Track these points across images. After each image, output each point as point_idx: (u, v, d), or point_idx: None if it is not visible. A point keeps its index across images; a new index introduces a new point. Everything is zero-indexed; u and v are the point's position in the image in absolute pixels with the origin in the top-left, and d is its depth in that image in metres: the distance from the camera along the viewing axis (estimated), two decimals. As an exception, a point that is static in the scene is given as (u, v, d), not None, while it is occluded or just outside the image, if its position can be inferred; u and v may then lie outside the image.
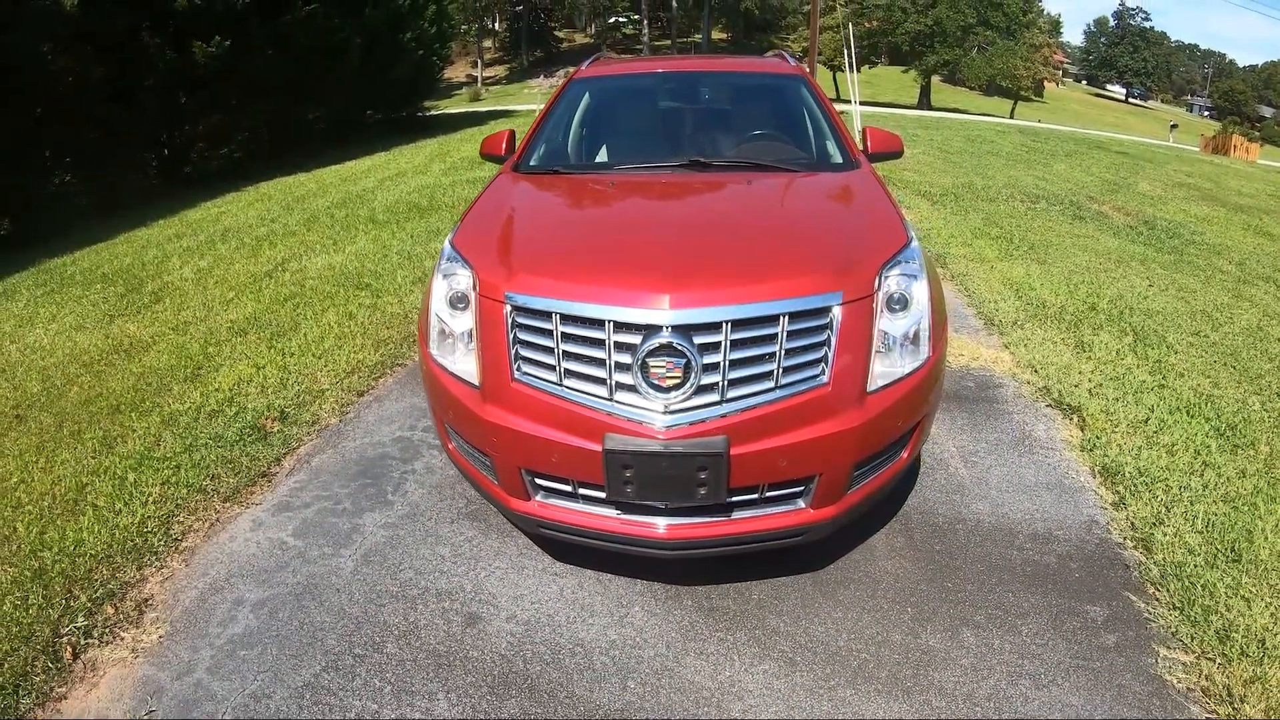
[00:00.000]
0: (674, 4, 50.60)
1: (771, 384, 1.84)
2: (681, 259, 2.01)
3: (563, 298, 1.90)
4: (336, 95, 12.07)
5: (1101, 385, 3.31)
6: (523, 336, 1.96)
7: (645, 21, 49.61)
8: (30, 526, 2.52)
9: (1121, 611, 2.04)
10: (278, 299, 4.82)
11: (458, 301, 2.17)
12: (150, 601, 2.23)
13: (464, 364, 2.11)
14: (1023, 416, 3.12)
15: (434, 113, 19.35)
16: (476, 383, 2.05)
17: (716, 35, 53.23)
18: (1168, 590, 2.06)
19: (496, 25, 50.97)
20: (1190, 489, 2.50)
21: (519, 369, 1.95)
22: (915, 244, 2.20)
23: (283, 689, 1.89)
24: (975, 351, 3.73)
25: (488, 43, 50.22)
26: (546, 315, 1.91)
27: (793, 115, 3.32)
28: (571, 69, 4.02)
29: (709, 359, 1.81)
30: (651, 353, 1.80)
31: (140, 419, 3.30)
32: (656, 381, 1.80)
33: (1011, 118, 29.57)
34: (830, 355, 1.89)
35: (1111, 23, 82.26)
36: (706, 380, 1.81)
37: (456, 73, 45.36)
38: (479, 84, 41.06)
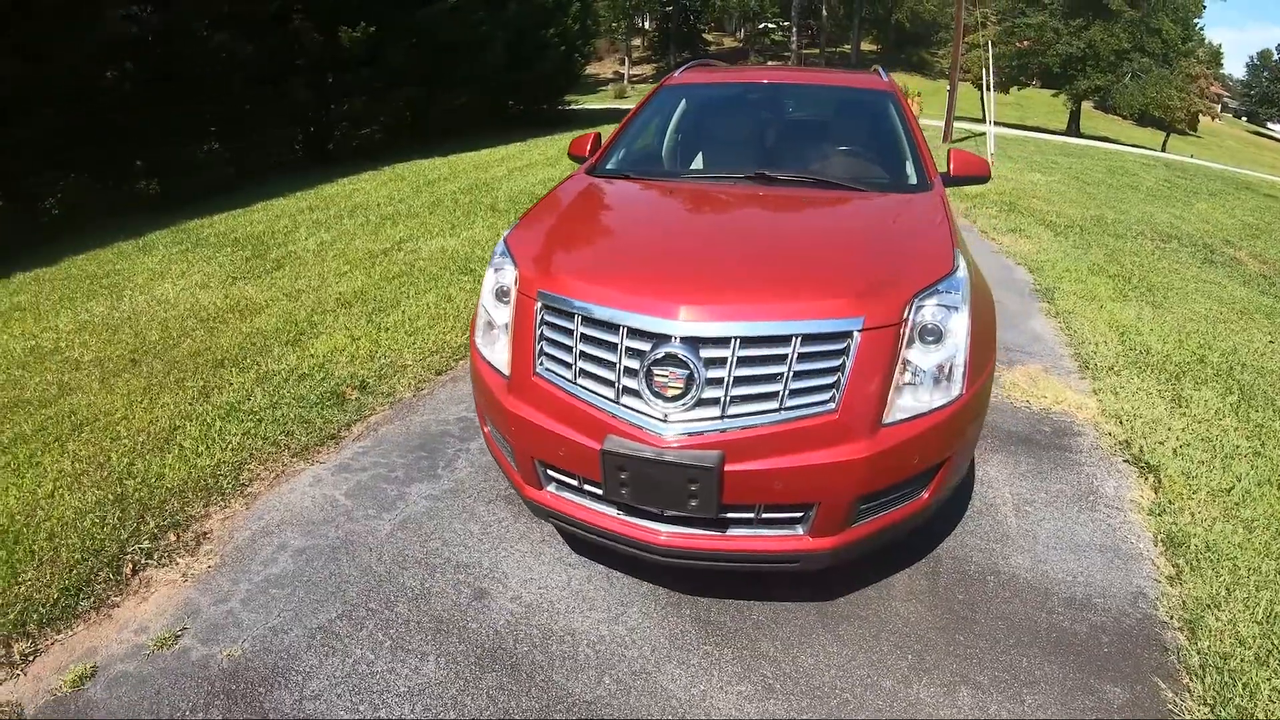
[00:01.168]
0: (824, 12, 49.85)
1: (775, 405, 1.81)
2: (705, 271, 2.02)
3: (585, 299, 1.96)
4: (479, 86, 12.59)
5: (1189, 445, 3.02)
6: (548, 334, 2.03)
7: (794, 29, 49.29)
8: (122, 457, 2.87)
9: (1144, 698, 1.86)
10: (386, 276, 5.17)
11: (502, 295, 2.27)
12: (208, 535, 2.48)
13: (500, 354, 2.21)
14: (1094, 470, 2.90)
15: (575, 107, 19.97)
16: (507, 373, 2.14)
17: (866, 47, 52.13)
18: (1203, 683, 1.87)
19: (646, 24, 51.89)
20: (1260, 573, 2.24)
21: (541, 364, 2.03)
22: (960, 274, 2.10)
23: (299, 628, 2.07)
24: (1060, 394, 3.50)
25: (636, 41, 51.16)
26: (570, 315, 1.98)
27: (872, 132, 3.24)
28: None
29: (714, 373, 1.81)
30: (658, 361, 1.82)
31: (239, 374, 3.65)
32: (659, 390, 1.82)
33: (1163, 150, 27.03)
34: (843, 382, 1.83)
35: (1276, 57, 73.35)
36: (709, 394, 1.81)
37: (604, 69, 46.61)
38: (625, 81, 42.00)
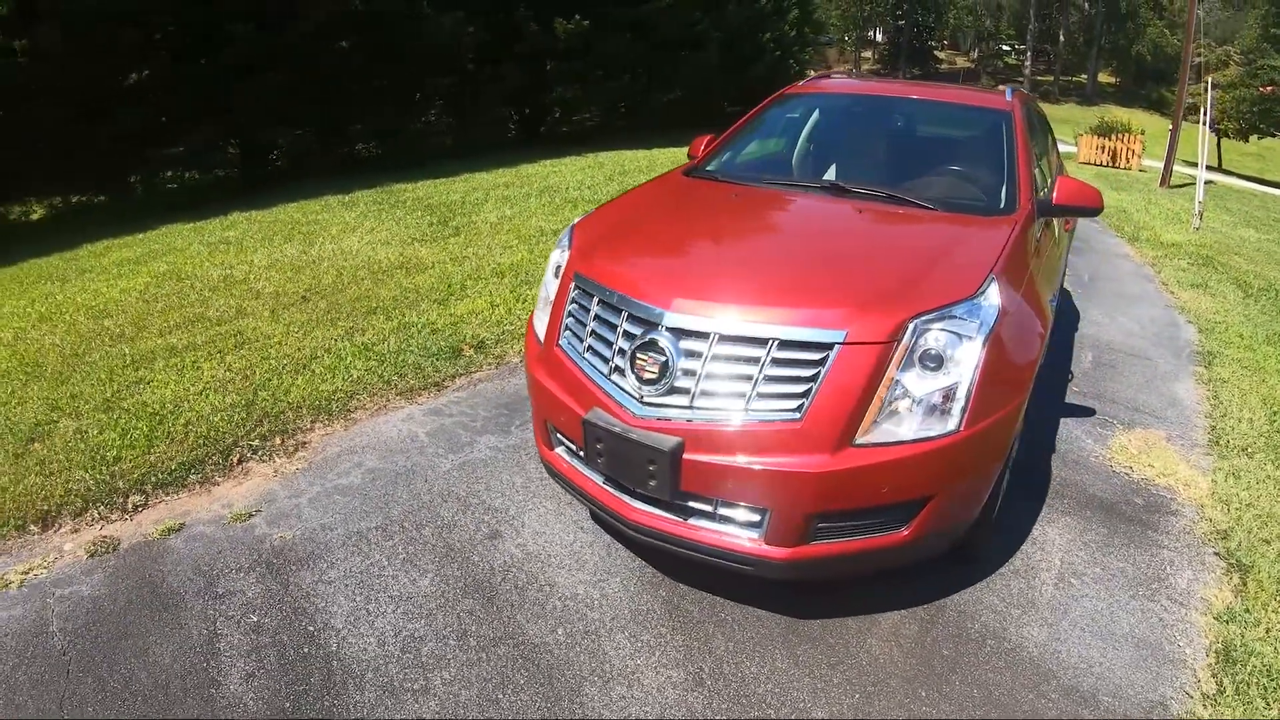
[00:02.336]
0: (1061, 38, 45.59)
1: (742, 404, 1.82)
2: (713, 268, 2.07)
3: (605, 283, 2.08)
4: (694, 84, 12.87)
5: (1305, 552, 2.51)
6: (573, 310, 2.19)
7: (1028, 54, 45.92)
8: (265, 374, 3.43)
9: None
10: (545, 253, 5.53)
11: (557, 273, 2.46)
12: (306, 445, 2.92)
13: (541, 325, 2.40)
14: (1173, 555, 2.50)
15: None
16: (542, 341, 2.33)
17: (1104, 79, 47.44)
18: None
19: (878, 36, 50.34)
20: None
21: (564, 336, 2.19)
22: (983, 302, 1.94)
23: (342, 529, 2.40)
24: (1171, 467, 3.03)
25: (867, 53, 49.89)
26: (591, 295, 2.12)
27: (971, 151, 3.05)
28: None
29: (689, 364, 1.86)
30: (642, 345, 1.90)
31: (384, 321, 4.18)
32: (639, 372, 1.89)
33: None
34: (814, 393, 1.79)
35: None
36: (682, 383, 1.86)
37: (832, 79, 46.36)
38: (849, 93, 41.43)
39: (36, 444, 2.72)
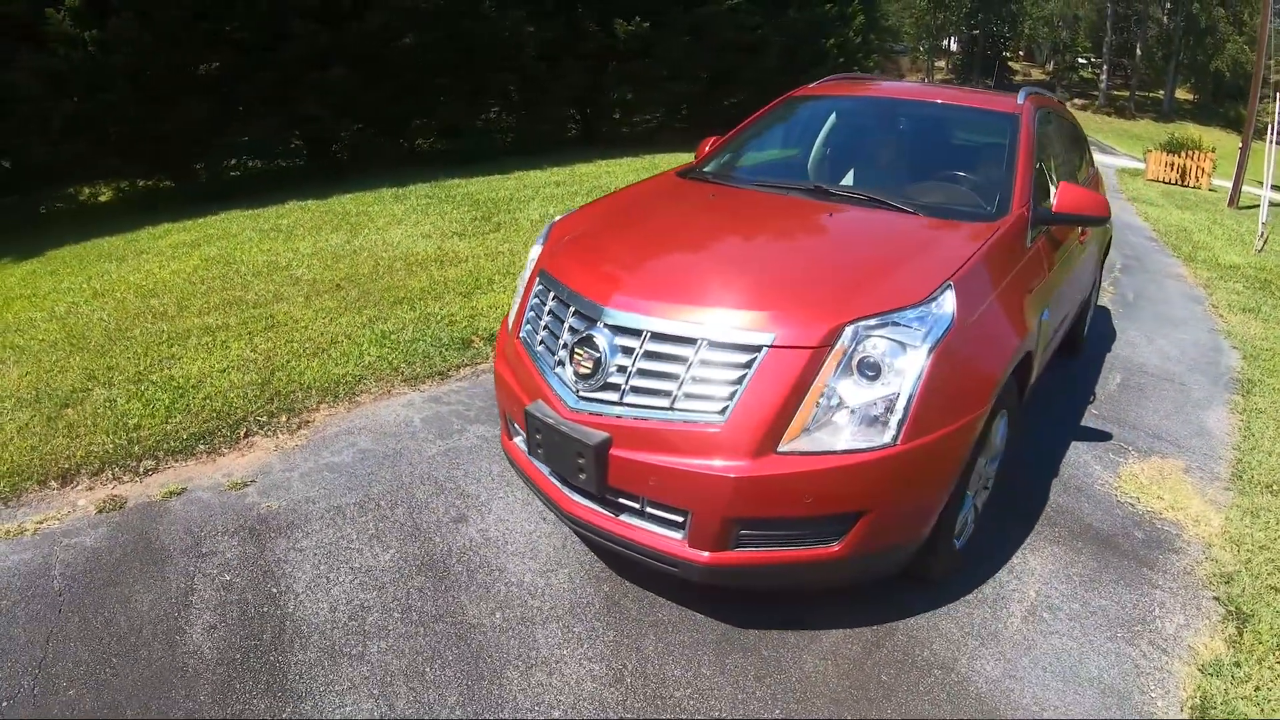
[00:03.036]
0: (1139, 52, 44.03)
1: (667, 403, 1.87)
2: (660, 268, 2.15)
3: (561, 278, 2.20)
4: (755, 88, 12.88)
5: (1306, 602, 2.39)
6: (533, 303, 2.31)
7: (1105, 67, 44.90)
8: (285, 356, 3.72)
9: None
10: None
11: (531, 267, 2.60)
12: (309, 424, 3.17)
13: (512, 316, 2.53)
14: (1167, 597, 2.40)
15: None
16: (511, 332, 2.47)
17: (1181, 95, 45.79)
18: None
19: (952, 46, 49.12)
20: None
21: (524, 327, 2.32)
22: (933, 309, 1.92)
23: (324, 503, 2.62)
24: (1182, 501, 2.92)
25: (941, 63, 48.80)
26: (548, 290, 2.24)
27: (969, 154, 3.01)
28: None
29: (622, 361, 1.92)
30: (581, 340, 1.98)
31: (407, 311, 4.43)
32: (576, 366, 1.99)
33: None
34: (737, 396, 1.81)
35: None
36: (615, 379, 1.92)
37: (905, 87, 45.73)
38: (920, 102, 40.68)
39: (69, 409, 3.07)
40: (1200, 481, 3.09)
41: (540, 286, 2.32)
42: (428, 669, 1.94)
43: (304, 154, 8.16)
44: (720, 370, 1.86)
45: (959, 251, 2.20)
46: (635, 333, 1.94)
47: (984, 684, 2.00)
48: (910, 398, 1.82)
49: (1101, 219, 2.69)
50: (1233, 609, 2.35)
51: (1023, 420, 3.41)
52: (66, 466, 2.70)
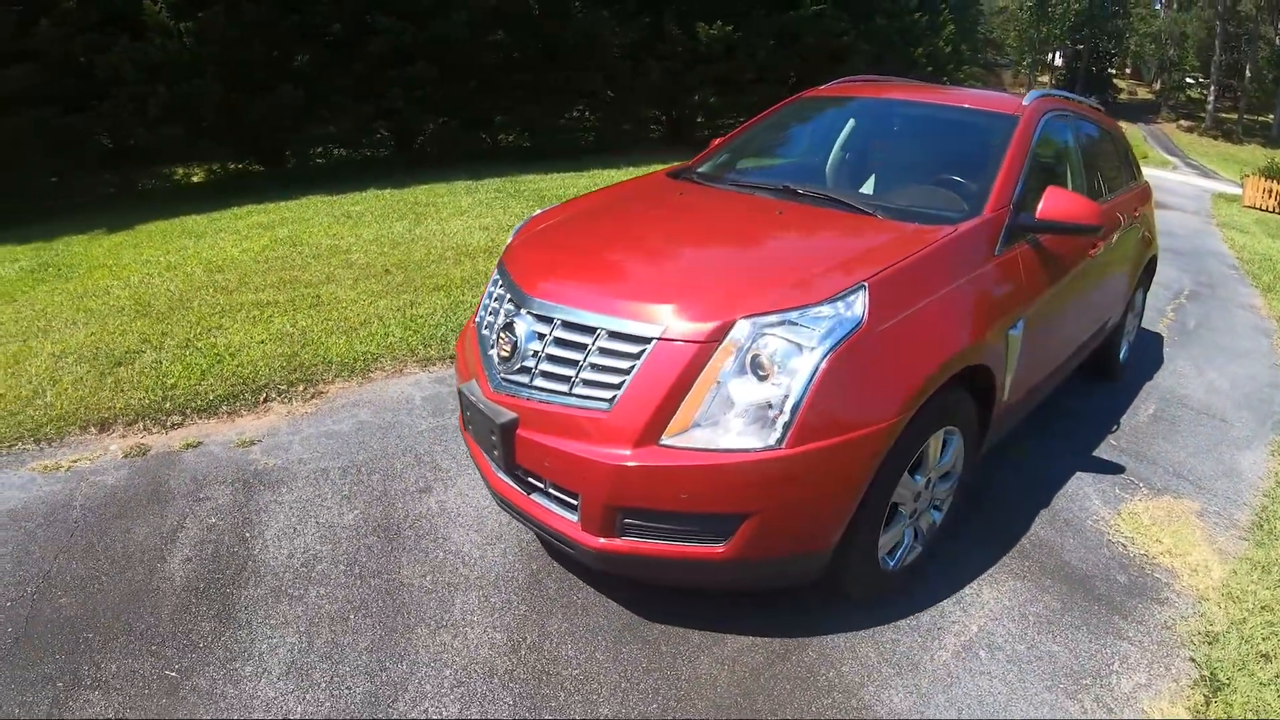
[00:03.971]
0: (1248, 73, 41.07)
1: (566, 388, 1.99)
2: (589, 260, 2.31)
3: (507, 266, 2.41)
4: None
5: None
6: (490, 290, 2.53)
7: (1213, 88, 42.36)
8: (319, 333, 4.14)
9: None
10: None
11: None
12: (322, 394, 3.57)
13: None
14: (1134, 652, 2.26)
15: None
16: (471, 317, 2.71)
17: None
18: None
19: (1056, 60, 46.42)
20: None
21: (480, 312, 2.54)
22: (835, 310, 1.92)
23: (314, 465, 2.96)
24: (1184, 547, 2.76)
25: (1044, 78, 46.37)
26: (498, 279, 2.46)
27: (959, 156, 2.96)
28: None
29: (535, 346, 2.08)
30: (505, 325, 2.17)
31: (441, 297, 4.80)
32: (499, 349, 2.17)
33: None
34: (625, 385, 1.90)
35: None
36: (528, 363, 2.08)
37: (1004, 101, 44.58)
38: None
39: (121, 368, 3.60)
40: (1213, 527, 2.94)
41: (496, 275, 2.54)
42: (352, 617, 2.22)
43: (390, 144, 8.86)
44: (614, 359, 1.95)
45: (893, 253, 2.17)
46: (548, 320, 2.08)
47: (885, 714, 1.97)
48: (799, 400, 1.83)
49: (1090, 228, 2.56)
50: (1207, 674, 2.19)
51: (1015, 442, 3.36)
52: (106, 416, 3.20)
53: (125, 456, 2.98)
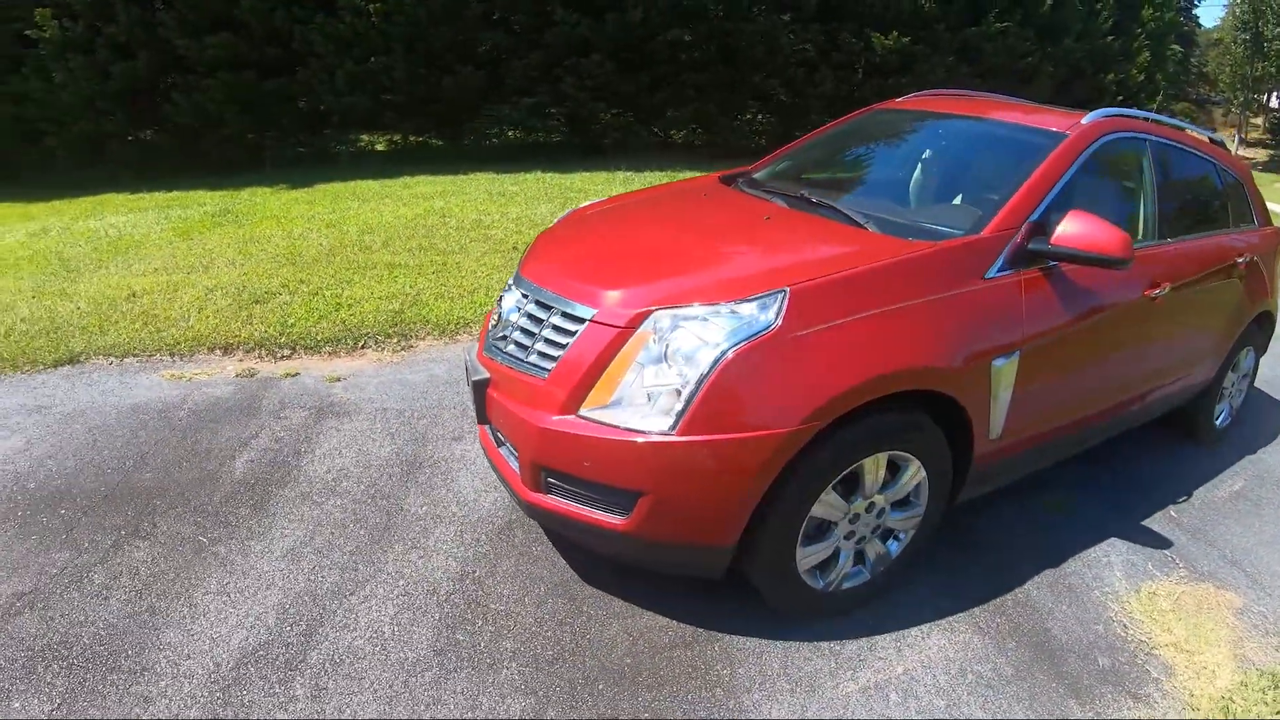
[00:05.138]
0: None
1: (524, 355, 2.27)
2: (584, 249, 2.61)
3: (528, 250, 2.79)
4: None
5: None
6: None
7: None
8: (431, 295, 4.78)
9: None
10: None
11: None
12: (410, 348, 4.17)
13: None
14: None
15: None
16: None
17: None
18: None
19: (1272, 102, 38.41)
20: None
21: None
22: (744, 311, 2.03)
23: (378, 404, 3.53)
24: (1203, 644, 2.52)
25: (1257, 120, 38.93)
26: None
27: (985, 174, 2.88)
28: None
29: (514, 318, 2.39)
30: (500, 298, 2.53)
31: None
32: (492, 319, 2.55)
33: None
34: (560, 358, 2.15)
35: None
36: (507, 332, 2.40)
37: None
38: (1230, 159, 32.78)
39: (257, 305, 4.44)
40: (1247, 629, 2.63)
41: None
42: (350, 525, 2.72)
43: (564, 131, 9.59)
44: (560, 335, 2.20)
45: (842, 264, 2.21)
46: (526, 296, 2.41)
47: None
48: (694, 392, 1.95)
49: (1114, 260, 2.37)
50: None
51: (1052, 493, 3.21)
52: (231, 343, 4.02)
53: (236, 376, 3.76)
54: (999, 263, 2.41)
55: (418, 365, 3.98)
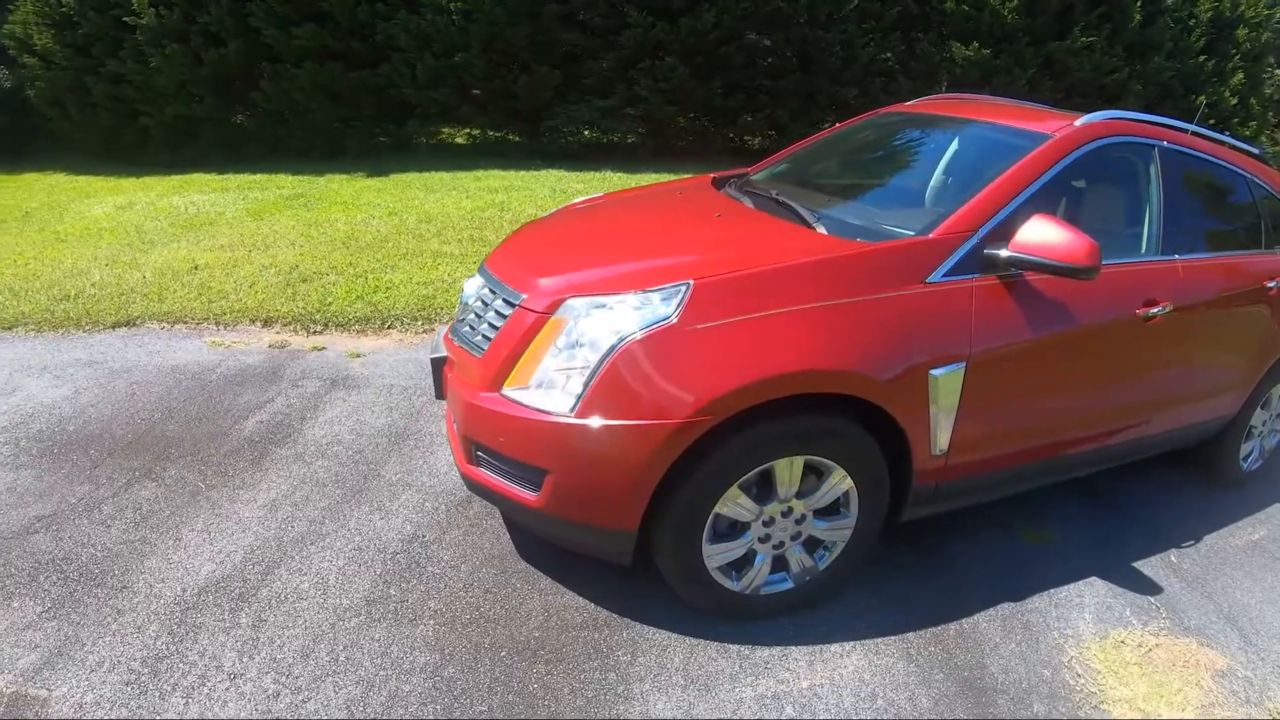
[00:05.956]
0: None
1: (474, 337, 2.44)
2: (543, 241, 2.81)
3: None
4: None
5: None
6: None
7: None
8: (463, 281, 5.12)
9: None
10: None
11: None
12: (431, 330, 4.50)
13: None
14: None
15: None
16: None
17: None
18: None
19: None
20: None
21: None
22: (649, 300, 2.14)
23: (388, 380, 3.87)
24: (1161, 702, 2.37)
25: None
26: None
27: (962, 176, 2.84)
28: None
29: (471, 303, 2.58)
30: (465, 285, 2.73)
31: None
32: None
33: None
34: (491, 340, 2.33)
35: None
36: (465, 315, 2.59)
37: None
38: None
39: (304, 284, 4.90)
40: (1226, 695, 2.44)
41: None
42: (330, 485, 3.02)
43: (640, 132, 9.82)
44: (497, 319, 2.38)
45: (759, 260, 2.27)
46: (481, 284, 2.60)
47: (637, 714, 2.13)
48: (591, 376, 2.08)
49: (1076, 269, 2.29)
50: None
51: (1036, 523, 3.12)
52: (272, 316, 4.48)
53: (269, 347, 4.20)
54: (945, 267, 2.36)
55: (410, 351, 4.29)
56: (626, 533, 2.22)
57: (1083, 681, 2.39)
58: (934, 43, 9.53)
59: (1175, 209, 2.95)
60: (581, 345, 2.16)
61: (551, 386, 2.17)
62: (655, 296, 2.15)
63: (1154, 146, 2.93)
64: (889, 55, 9.69)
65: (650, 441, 2.06)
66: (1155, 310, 2.77)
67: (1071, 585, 2.82)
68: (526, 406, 2.18)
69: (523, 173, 8.57)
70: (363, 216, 6.54)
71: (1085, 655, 2.50)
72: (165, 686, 2.13)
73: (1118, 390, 2.87)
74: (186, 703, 2.08)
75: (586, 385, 2.10)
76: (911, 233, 2.45)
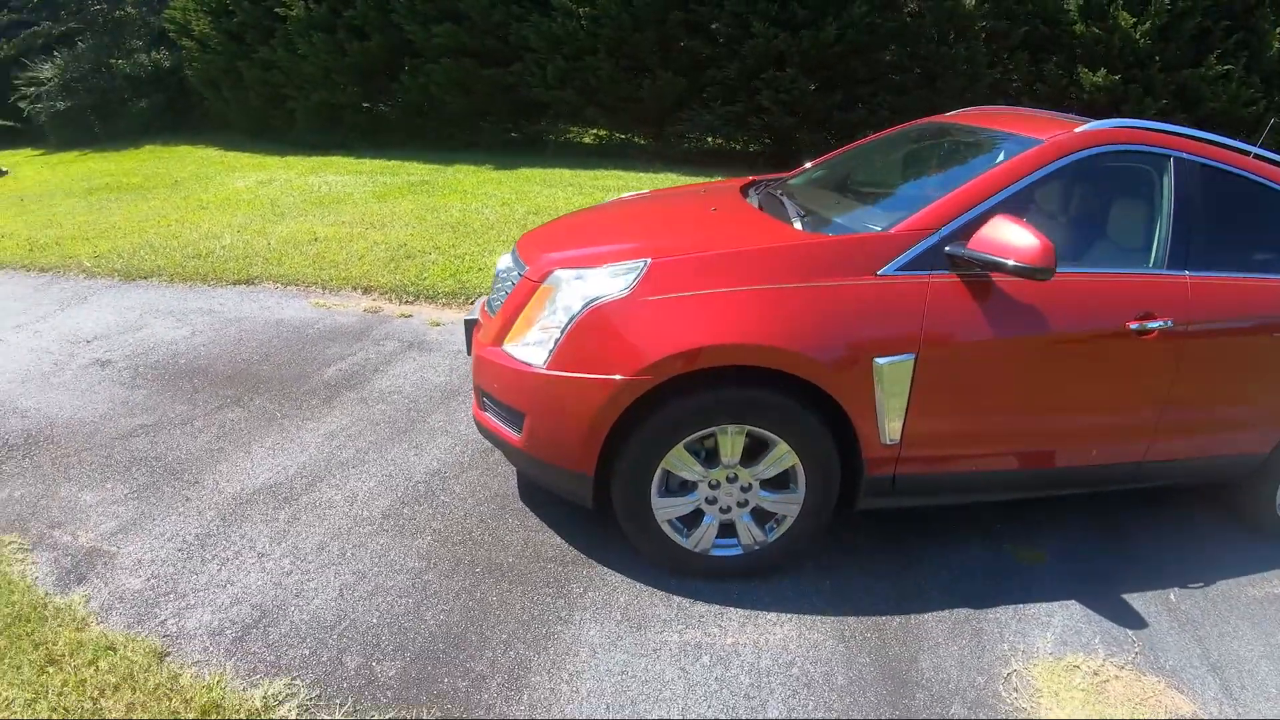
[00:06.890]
0: None
1: (498, 302, 2.82)
2: (566, 228, 3.23)
3: None
4: None
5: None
6: None
7: None
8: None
9: None
10: None
11: None
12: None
13: None
14: None
15: None
16: None
17: None
18: None
19: None
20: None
21: None
22: (599, 274, 2.51)
23: (457, 345, 4.44)
24: (1042, 705, 2.36)
25: None
26: None
27: (952, 178, 2.94)
28: None
29: (501, 273, 3.01)
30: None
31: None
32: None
33: None
34: (501, 303, 2.77)
35: None
36: (497, 285, 3.02)
37: None
38: None
39: (407, 260, 5.63)
40: (1168, 677, 2.47)
41: None
42: (380, 424, 3.62)
43: (764, 141, 10.02)
44: (510, 288, 2.80)
45: (719, 245, 2.61)
46: (510, 260, 3.03)
47: (568, 639, 2.44)
48: (561, 335, 2.46)
49: (1028, 269, 2.34)
50: None
51: (1029, 541, 3.12)
52: (372, 285, 5.23)
53: (364, 311, 4.95)
54: (899, 261, 2.51)
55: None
56: (584, 476, 2.55)
57: (1015, 696, 2.38)
58: (1062, 65, 9.13)
59: (1190, 223, 2.86)
60: (560, 308, 2.55)
61: (535, 343, 2.58)
62: (616, 269, 2.53)
63: (1168, 157, 2.87)
64: (1016, 78, 9.41)
65: (601, 394, 2.41)
66: (1152, 325, 2.71)
67: (1045, 604, 2.80)
68: (516, 359, 2.60)
69: (641, 175, 9.07)
70: (477, 205, 7.28)
71: (1029, 671, 2.47)
72: (207, 555, 2.77)
73: (1105, 405, 2.83)
74: (220, 568, 2.71)
75: (557, 342, 2.49)
76: (878, 228, 2.65)
